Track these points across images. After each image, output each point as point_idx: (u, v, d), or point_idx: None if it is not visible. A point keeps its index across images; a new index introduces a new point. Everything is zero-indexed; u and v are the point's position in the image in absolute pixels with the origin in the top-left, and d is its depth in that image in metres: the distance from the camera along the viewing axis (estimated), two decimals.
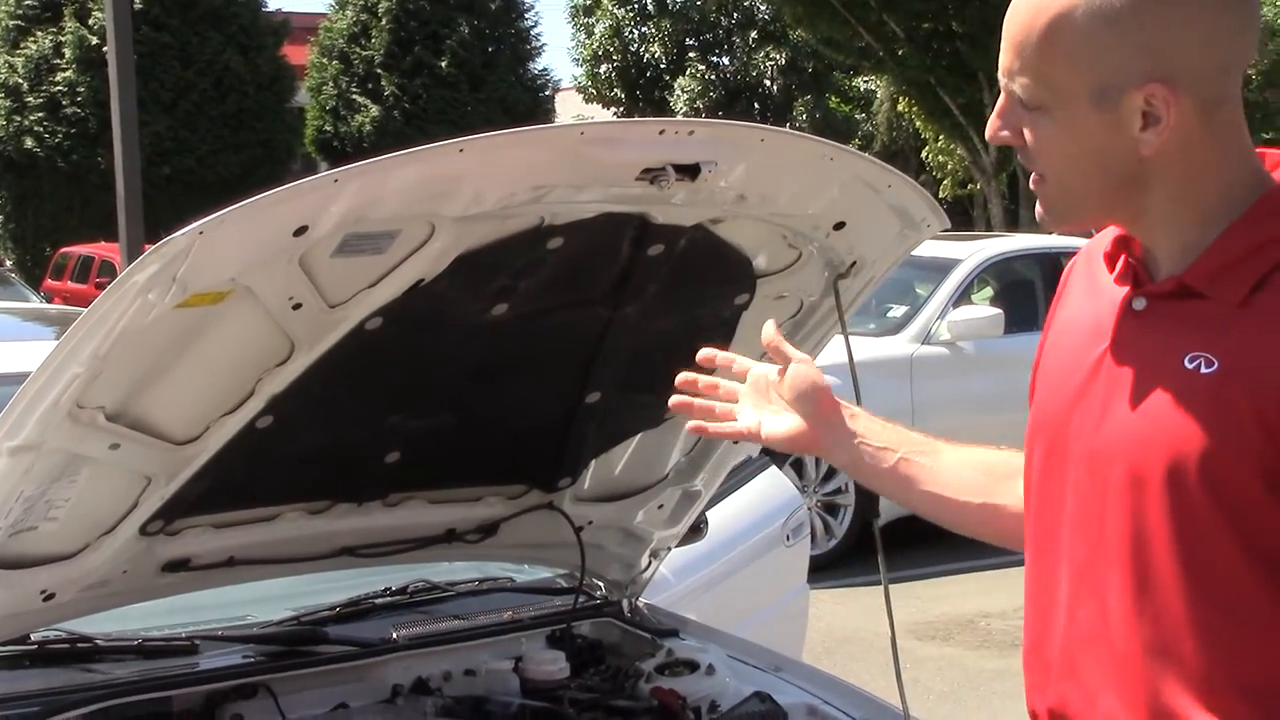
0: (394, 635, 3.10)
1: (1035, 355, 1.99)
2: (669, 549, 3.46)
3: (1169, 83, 1.73)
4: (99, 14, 25.65)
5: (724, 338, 2.99)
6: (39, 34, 27.83)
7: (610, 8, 35.46)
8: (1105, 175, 1.80)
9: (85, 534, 2.66)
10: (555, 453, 3.12)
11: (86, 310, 2.23)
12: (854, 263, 2.88)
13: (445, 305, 2.58)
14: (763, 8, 28.31)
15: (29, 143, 27.65)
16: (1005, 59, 1.82)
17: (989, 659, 7.16)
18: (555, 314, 2.76)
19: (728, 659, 3.25)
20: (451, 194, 2.36)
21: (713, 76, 34.90)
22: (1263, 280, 1.72)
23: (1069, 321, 1.93)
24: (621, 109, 36.14)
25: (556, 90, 35.65)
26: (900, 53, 19.27)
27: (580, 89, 36.30)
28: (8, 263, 28.44)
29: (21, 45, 27.91)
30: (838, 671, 3.03)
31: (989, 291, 11.01)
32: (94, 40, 26.35)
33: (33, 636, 2.83)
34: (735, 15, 35.09)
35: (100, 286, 20.86)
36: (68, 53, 27.42)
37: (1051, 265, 10.39)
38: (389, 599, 3.26)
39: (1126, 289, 1.83)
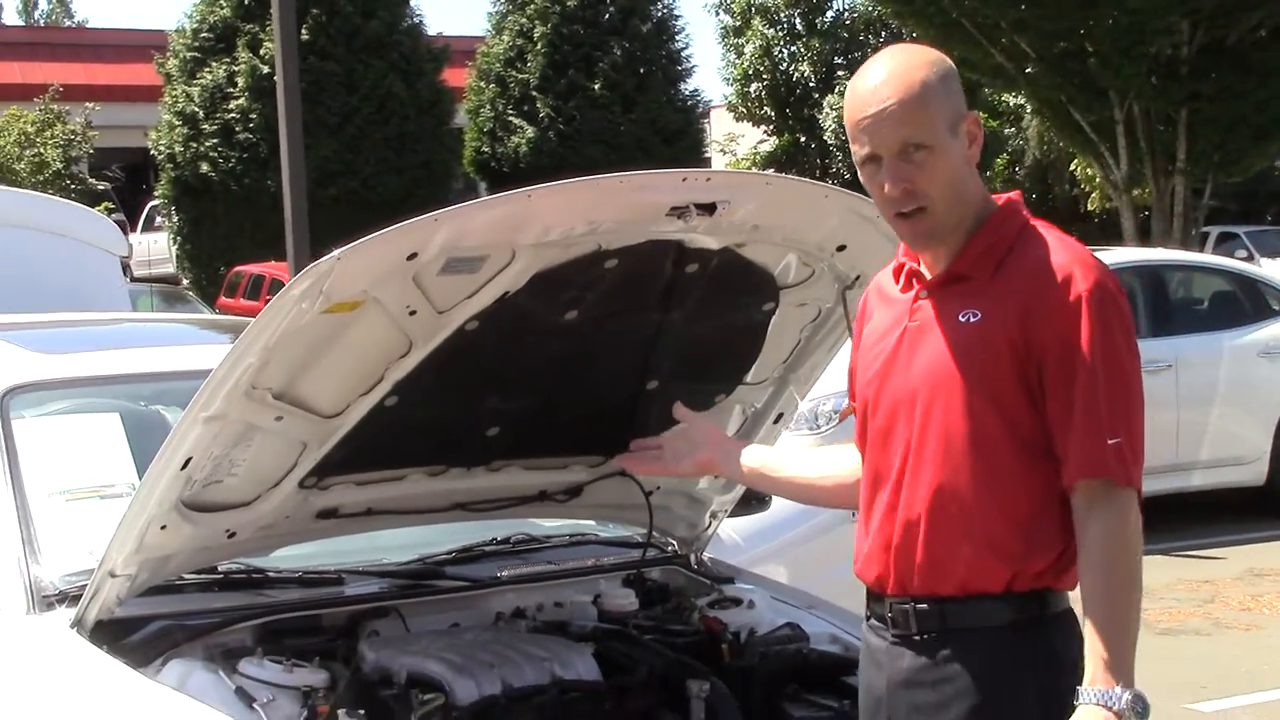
0: (499, 574, 3.89)
1: None
2: (727, 511, 4.19)
3: (973, 113, 2.73)
4: (270, 45, 26.81)
5: (757, 337, 3.75)
6: (214, 65, 29.08)
7: (760, 28, 36.12)
8: (960, 186, 2.73)
9: (257, 486, 3.45)
10: (625, 430, 3.87)
11: (259, 314, 3.04)
12: (858, 277, 3.61)
13: (527, 312, 3.32)
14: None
15: (204, 167, 28.87)
16: (896, 131, 2.69)
17: None
18: (616, 319, 3.49)
19: (770, 599, 3.99)
20: (525, 228, 3.12)
21: None
22: (1000, 263, 2.69)
23: (873, 327, 2.88)
24: (771, 127, 36.77)
25: (708, 110, 36.41)
26: (1030, 71, 19.77)
27: (731, 108, 36.98)
28: (184, 281, 29.72)
29: (198, 76, 29.18)
30: None
31: None
32: (265, 70, 27.46)
33: (219, 568, 3.64)
34: (884, 34, 35.60)
35: None
36: (240, 82, 28.60)
37: (1150, 277, 10.99)
38: (495, 547, 4.04)
39: (913, 290, 2.78)
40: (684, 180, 3.20)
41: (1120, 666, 2.53)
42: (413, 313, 3.20)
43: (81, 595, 3.37)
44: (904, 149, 2.68)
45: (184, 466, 3.18)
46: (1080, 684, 2.56)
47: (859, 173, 2.79)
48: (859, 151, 2.74)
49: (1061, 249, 2.69)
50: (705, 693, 3.45)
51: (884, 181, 2.72)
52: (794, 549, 5.19)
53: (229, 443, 3.26)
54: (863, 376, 2.86)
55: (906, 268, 2.82)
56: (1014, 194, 2.82)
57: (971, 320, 2.67)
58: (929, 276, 2.77)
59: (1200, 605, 8.65)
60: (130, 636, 3.34)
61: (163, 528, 3.29)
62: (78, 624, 3.34)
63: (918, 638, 2.71)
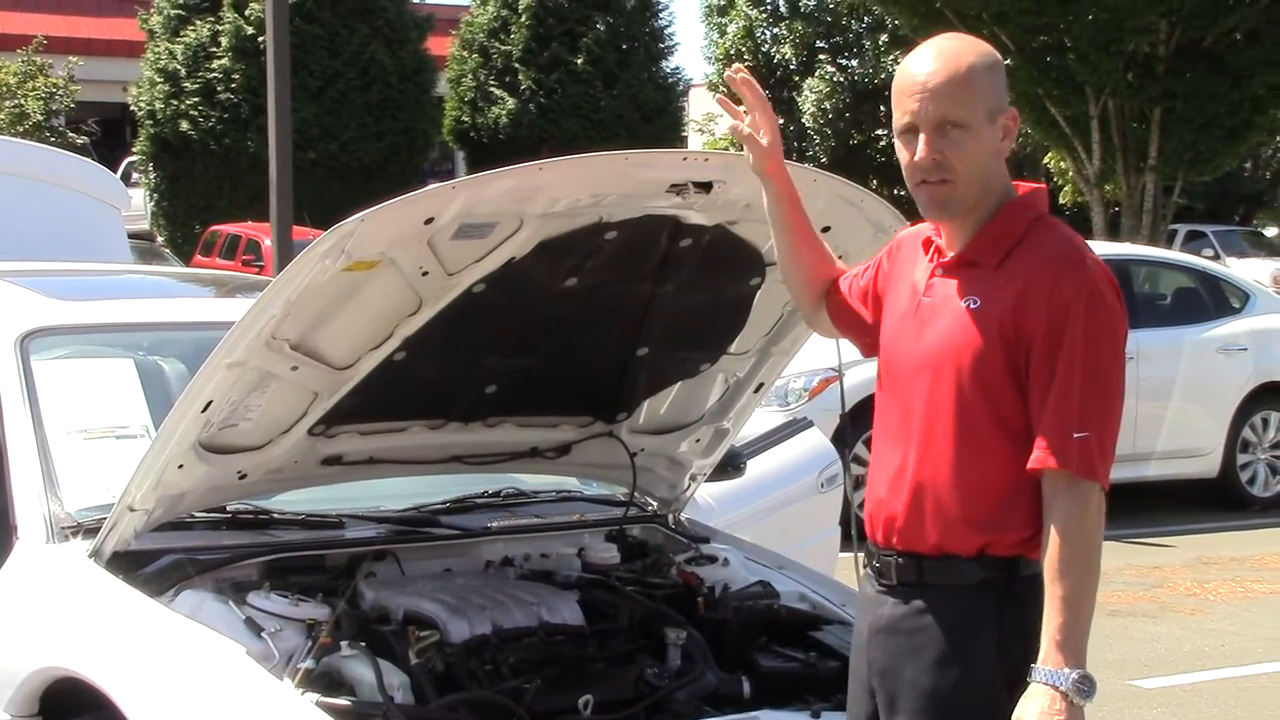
0: (489, 525, 4.12)
1: None
2: (705, 475, 4.44)
3: (1013, 109, 2.90)
4: (255, 5, 26.86)
5: (743, 310, 3.98)
6: (198, 23, 29.03)
7: (743, 8, 36.24)
8: (986, 170, 2.89)
9: (270, 432, 3.68)
10: (614, 393, 4.10)
11: (284, 270, 3.24)
12: (841, 256, 3.82)
13: (531, 277, 3.54)
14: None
15: (184, 126, 28.85)
16: (938, 106, 2.86)
17: None
18: (612, 287, 3.72)
19: (743, 558, 4.23)
20: (534, 199, 3.34)
21: (841, 79, 35.58)
22: (1007, 255, 2.86)
23: (899, 286, 3.03)
24: None
25: (688, 88, 36.52)
26: (1008, 64, 19.99)
27: (711, 87, 37.07)
28: (159, 239, 29.74)
29: (181, 34, 29.13)
30: None
31: None
32: (249, 30, 27.56)
33: (228, 508, 3.85)
34: (866, 19, 35.76)
35: (247, 264, 21.87)
36: (224, 42, 28.57)
37: (1115, 271, 11.20)
38: (487, 500, 4.28)
39: (934, 263, 2.95)
40: (684, 160, 3.43)
41: (1070, 647, 2.69)
42: (425, 274, 3.42)
43: (98, 528, 3.58)
44: (941, 125, 2.84)
45: (204, 409, 3.39)
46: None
47: (895, 139, 2.95)
48: (900, 119, 2.91)
49: (1066, 247, 2.84)
50: (682, 640, 3.69)
51: (916, 150, 2.88)
52: (765, 516, 5.43)
53: (247, 389, 3.48)
54: (885, 328, 3.03)
55: (933, 243, 2.97)
56: (1038, 185, 2.98)
57: (972, 307, 2.84)
58: (948, 255, 2.93)
59: (1149, 589, 8.92)
60: (145, 568, 3.56)
61: (180, 467, 3.51)
62: (95, 554, 3.55)
63: (898, 588, 2.91)
